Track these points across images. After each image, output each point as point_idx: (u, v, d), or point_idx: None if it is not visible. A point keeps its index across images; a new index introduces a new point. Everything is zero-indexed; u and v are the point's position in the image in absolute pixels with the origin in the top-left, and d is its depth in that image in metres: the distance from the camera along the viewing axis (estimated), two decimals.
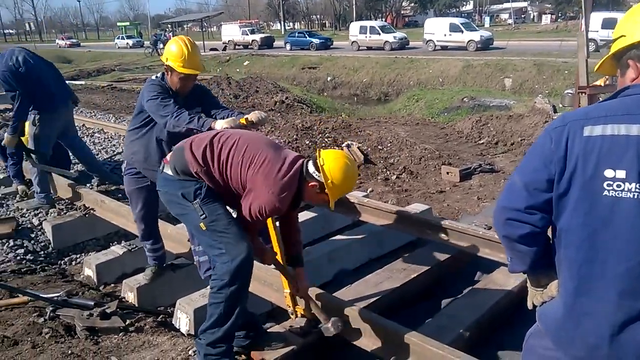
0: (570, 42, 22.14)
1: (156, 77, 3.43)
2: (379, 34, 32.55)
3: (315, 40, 36.19)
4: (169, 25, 52.95)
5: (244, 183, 2.53)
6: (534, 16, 64.76)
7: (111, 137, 8.76)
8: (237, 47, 40.09)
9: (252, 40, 39.82)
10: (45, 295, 3.26)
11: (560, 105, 11.58)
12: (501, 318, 3.37)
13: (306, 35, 38.23)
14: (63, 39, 62.95)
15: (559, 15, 56.96)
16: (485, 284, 3.61)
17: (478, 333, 3.16)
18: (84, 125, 9.79)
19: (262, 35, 41.60)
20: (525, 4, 66.91)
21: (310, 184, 2.52)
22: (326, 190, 2.50)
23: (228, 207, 2.76)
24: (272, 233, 2.95)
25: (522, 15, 65.89)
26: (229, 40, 41.26)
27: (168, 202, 2.69)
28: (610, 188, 1.40)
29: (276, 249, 2.94)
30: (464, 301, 3.49)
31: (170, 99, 3.26)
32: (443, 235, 3.86)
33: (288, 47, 36.93)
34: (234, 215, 2.69)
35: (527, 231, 1.54)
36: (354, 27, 35.00)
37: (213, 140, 2.60)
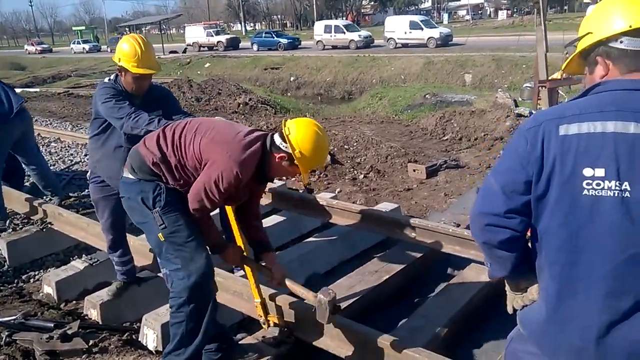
0: (527, 37, 22.74)
1: (109, 79, 3.29)
2: (344, 32, 32.71)
3: (283, 40, 35.99)
4: (127, 29, 51.76)
5: (199, 157, 2.36)
6: (490, 12, 66.34)
7: (68, 146, 8.44)
8: (202, 48, 39.45)
9: (218, 42, 39.35)
10: None
11: (520, 99, 11.82)
12: (475, 314, 3.37)
13: (273, 35, 37.93)
14: (33, 45, 56.53)
15: (515, 10, 58.54)
16: (457, 282, 3.62)
17: (452, 331, 3.15)
18: (39, 134, 9.35)
19: (228, 37, 41.13)
20: (481, 0, 68.38)
21: (277, 156, 2.39)
22: (295, 161, 2.37)
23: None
24: (234, 225, 2.81)
25: (479, 12, 67.39)
26: (193, 42, 40.56)
27: (129, 209, 2.57)
28: (590, 187, 1.36)
29: (239, 242, 2.81)
30: (436, 300, 3.47)
31: (125, 100, 3.12)
32: (413, 234, 3.84)
33: (255, 47, 36.56)
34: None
35: (508, 236, 1.50)
36: (319, 26, 35.00)
37: (165, 129, 2.55)
